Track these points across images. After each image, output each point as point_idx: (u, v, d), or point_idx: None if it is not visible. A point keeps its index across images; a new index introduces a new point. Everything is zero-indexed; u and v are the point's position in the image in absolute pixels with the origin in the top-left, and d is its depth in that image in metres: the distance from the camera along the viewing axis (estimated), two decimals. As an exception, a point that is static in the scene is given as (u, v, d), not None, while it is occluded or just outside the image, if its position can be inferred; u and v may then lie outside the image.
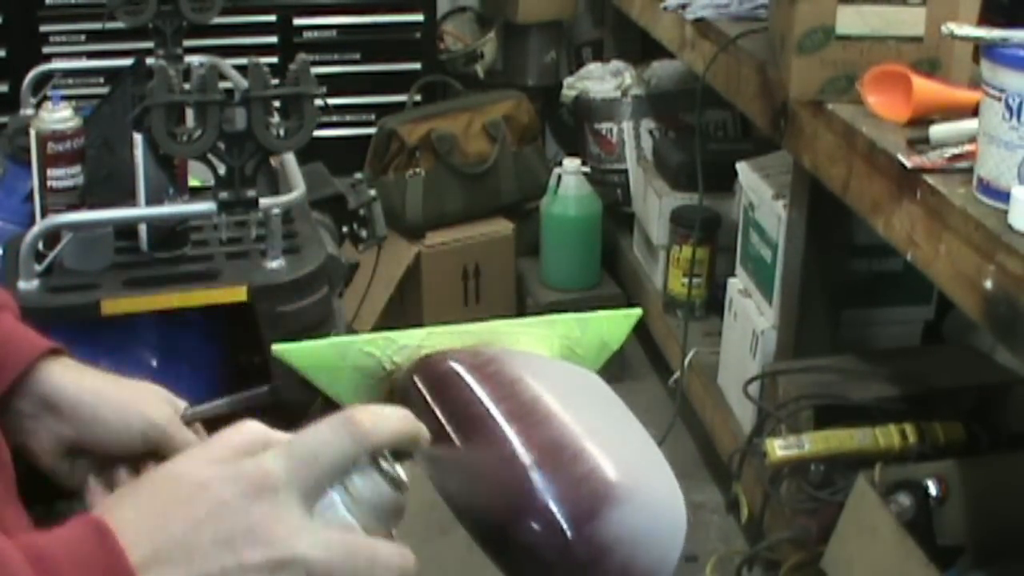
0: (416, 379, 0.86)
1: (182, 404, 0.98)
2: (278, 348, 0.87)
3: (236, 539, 0.61)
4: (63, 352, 0.97)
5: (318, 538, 0.62)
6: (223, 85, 1.74)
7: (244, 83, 1.76)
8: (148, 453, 0.94)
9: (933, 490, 1.79)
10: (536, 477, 0.74)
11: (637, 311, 1.02)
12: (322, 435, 0.64)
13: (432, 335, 0.88)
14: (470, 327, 0.90)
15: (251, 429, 0.65)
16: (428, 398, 0.83)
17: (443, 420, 0.81)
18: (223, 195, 1.71)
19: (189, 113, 1.77)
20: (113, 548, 0.60)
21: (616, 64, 3.35)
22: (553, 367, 0.90)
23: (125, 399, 0.95)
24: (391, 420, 0.65)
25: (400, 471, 0.65)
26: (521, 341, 0.92)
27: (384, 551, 0.64)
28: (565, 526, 0.72)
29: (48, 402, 0.94)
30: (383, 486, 0.64)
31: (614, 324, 0.99)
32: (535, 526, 0.73)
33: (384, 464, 0.64)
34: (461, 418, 0.80)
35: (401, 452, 0.66)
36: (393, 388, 0.88)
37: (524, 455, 0.75)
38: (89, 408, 0.94)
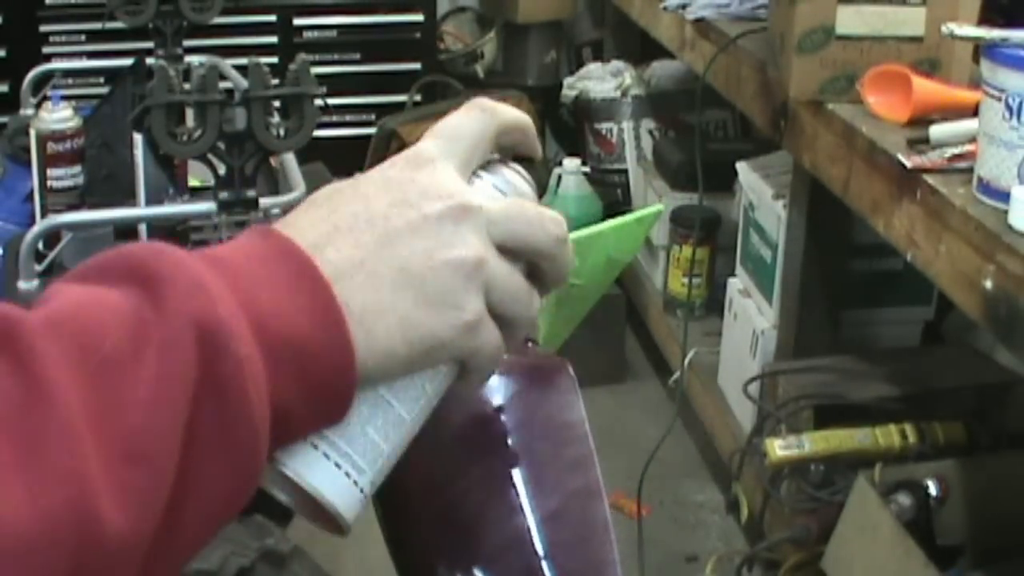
0: None
1: None
2: None
3: (411, 198, 0.61)
4: None
5: (487, 195, 0.64)
6: (223, 85, 1.73)
7: (244, 83, 1.76)
8: None
9: (933, 490, 1.79)
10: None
11: (655, 209, 0.82)
12: (457, 116, 0.66)
13: None
14: None
15: None
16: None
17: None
18: (223, 195, 1.71)
19: (189, 113, 1.77)
20: (280, 239, 0.58)
21: (616, 64, 3.35)
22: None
23: None
24: (510, 108, 0.69)
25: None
26: None
27: (547, 210, 0.65)
28: None
29: None
30: (519, 178, 0.68)
31: (624, 235, 0.79)
32: None
33: (513, 164, 0.68)
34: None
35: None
36: None
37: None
38: None
